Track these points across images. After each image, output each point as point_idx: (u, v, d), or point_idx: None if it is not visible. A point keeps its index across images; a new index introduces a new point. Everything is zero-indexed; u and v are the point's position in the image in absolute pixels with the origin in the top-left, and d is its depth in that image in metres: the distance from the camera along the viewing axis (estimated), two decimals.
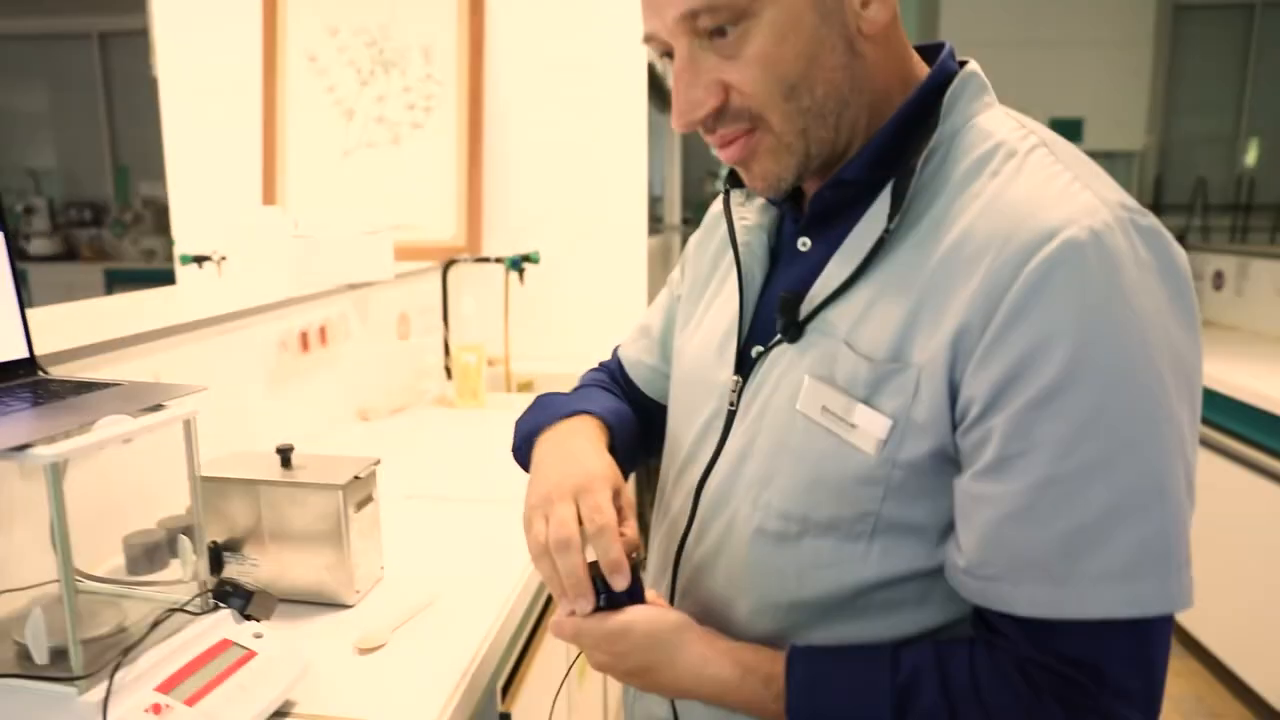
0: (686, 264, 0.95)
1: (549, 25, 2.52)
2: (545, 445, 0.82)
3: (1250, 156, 6.27)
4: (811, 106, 0.68)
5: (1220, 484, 2.58)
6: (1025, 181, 0.64)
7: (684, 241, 5.44)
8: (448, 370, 2.32)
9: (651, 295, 2.81)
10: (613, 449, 0.83)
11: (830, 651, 0.69)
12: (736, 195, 0.85)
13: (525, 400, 2.32)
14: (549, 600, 1.34)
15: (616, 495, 0.74)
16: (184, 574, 0.90)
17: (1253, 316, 3.36)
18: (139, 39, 6.47)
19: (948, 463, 0.65)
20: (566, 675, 1.42)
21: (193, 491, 0.89)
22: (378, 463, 1.14)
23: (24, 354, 0.99)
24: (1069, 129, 5.64)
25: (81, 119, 6.72)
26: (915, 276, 0.65)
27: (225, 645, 0.86)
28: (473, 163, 2.52)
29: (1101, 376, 0.58)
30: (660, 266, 3.35)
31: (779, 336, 0.73)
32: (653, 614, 0.71)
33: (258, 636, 0.88)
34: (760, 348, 0.76)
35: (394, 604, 1.08)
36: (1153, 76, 5.69)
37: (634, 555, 0.71)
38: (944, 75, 0.71)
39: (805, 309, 0.71)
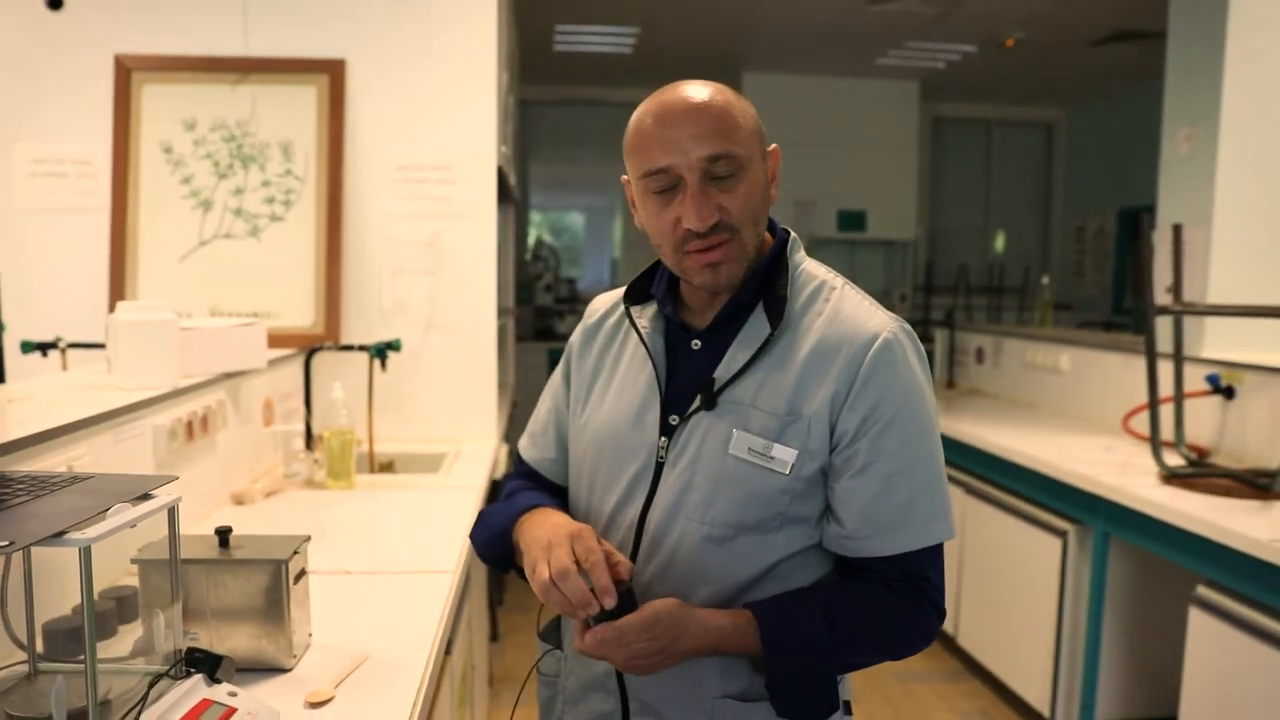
0: (571, 363, 1.22)
1: (406, 127, 2.72)
2: (527, 525, 1.07)
3: (998, 245, 7.33)
4: (759, 233, 1.06)
5: (985, 525, 3.06)
6: (848, 305, 1.06)
7: (518, 323, 5.65)
8: (313, 453, 2.41)
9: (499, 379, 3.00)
10: None
11: (776, 598, 1.03)
12: (635, 310, 1.15)
13: (390, 480, 2.43)
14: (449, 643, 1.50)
15: (599, 541, 1.00)
16: (159, 644, 1.02)
17: (1007, 385, 3.99)
18: None
19: (824, 475, 1.03)
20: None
21: (173, 573, 1.02)
22: (308, 539, 1.27)
23: None
24: (855, 220, 6.37)
25: None
26: (792, 362, 1.03)
27: (206, 704, 0.98)
28: (331, 255, 2.65)
29: (911, 416, 1.02)
30: (503, 347, 3.55)
31: (697, 406, 1.05)
32: (664, 602, 0.98)
33: (232, 695, 1.01)
34: (677, 417, 1.06)
35: (330, 664, 1.22)
36: (919, 177, 6.57)
37: (629, 579, 0.97)
38: (781, 238, 1.11)
39: (717, 386, 1.04)
